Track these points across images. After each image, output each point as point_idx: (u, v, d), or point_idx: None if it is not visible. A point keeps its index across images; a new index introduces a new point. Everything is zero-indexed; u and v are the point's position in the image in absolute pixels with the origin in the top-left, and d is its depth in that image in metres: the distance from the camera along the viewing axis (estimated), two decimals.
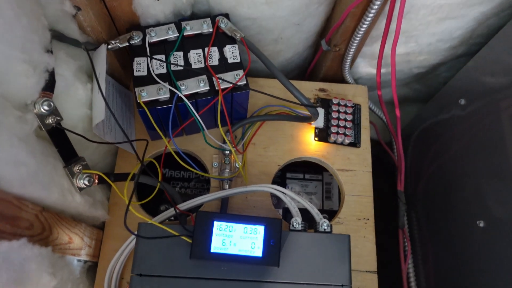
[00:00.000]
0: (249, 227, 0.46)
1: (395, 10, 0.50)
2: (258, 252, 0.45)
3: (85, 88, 0.53)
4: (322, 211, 0.73)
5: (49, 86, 0.42)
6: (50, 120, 0.43)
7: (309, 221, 0.52)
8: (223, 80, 0.53)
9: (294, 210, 0.53)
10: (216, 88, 0.53)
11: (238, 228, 0.46)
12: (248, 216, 0.47)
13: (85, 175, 0.49)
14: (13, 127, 0.36)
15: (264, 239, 0.46)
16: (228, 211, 0.60)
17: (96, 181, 0.50)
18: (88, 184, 0.48)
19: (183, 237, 0.46)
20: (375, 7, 0.50)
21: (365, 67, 0.71)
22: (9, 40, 0.35)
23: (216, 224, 0.46)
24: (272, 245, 0.46)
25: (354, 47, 0.59)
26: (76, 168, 0.48)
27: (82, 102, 0.52)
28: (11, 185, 0.36)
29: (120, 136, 0.57)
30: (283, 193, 0.54)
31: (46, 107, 0.41)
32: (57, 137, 0.45)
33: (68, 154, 0.47)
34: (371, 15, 0.51)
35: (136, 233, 0.48)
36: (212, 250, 0.45)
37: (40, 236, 0.40)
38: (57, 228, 0.44)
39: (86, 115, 0.52)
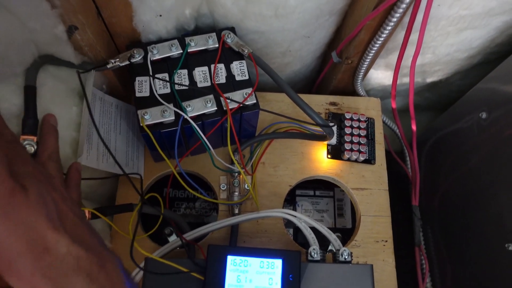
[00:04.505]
0: (266, 261, 0.43)
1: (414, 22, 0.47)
2: None
3: (70, 112, 0.49)
4: (335, 229, 0.70)
5: (30, 128, 0.39)
6: None
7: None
8: (232, 100, 0.49)
9: (311, 236, 0.49)
10: (224, 108, 0.49)
11: (254, 262, 0.43)
12: (264, 249, 0.44)
13: None
14: None
15: (282, 274, 0.42)
16: (238, 236, 0.56)
17: (89, 216, 0.46)
18: None
19: (193, 274, 0.43)
20: (394, 19, 0.46)
21: (378, 78, 0.68)
22: None
23: (230, 258, 0.43)
24: (291, 280, 0.42)
25: (368, 60, 0.55)
26: None
27: (67, 125, 0.48)
28: None
29: (122, 163, 0.53)
30: (298, 218, 0.50)
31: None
32: None
33: None
34: (389, 27, 0.48)
35: (143, 267, 0.44)
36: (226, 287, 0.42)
37: None
38: None
39: (73, 138, 0.49)
